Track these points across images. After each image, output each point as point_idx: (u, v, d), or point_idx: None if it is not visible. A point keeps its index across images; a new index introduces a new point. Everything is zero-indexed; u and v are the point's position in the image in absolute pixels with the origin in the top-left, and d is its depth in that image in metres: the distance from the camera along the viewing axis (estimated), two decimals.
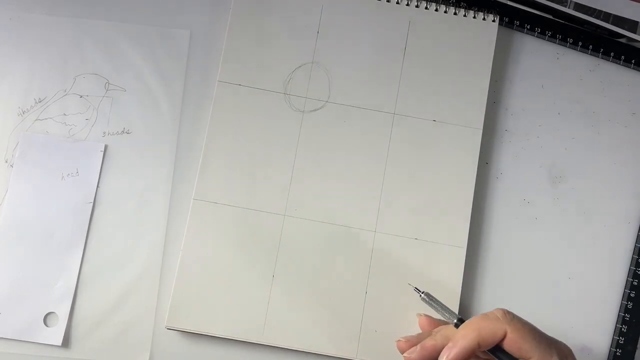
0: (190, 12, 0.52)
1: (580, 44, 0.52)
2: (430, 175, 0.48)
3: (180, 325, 0.46)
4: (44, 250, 0.47)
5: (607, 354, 0.49)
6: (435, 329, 0.42)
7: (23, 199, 0.48)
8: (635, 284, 0.49)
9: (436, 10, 0.51)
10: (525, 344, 0.37)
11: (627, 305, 0.49)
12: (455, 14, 0.51)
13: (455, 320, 0.40)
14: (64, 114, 0.50)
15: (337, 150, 0.49)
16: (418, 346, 0.40)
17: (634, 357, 0.49)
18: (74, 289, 0.47)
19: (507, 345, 0.37)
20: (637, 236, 0.51)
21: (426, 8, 0.51)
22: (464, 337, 0.38)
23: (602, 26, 0.53)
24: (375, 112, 0.49)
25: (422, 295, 0.43)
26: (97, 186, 0.49)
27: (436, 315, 0.43)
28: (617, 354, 0.49)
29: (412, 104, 0.49)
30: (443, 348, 0.38)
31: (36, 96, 0.50)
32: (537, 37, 0.53)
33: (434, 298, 0.43)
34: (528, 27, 0.52)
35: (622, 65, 0.53)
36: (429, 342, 0.39)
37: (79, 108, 0.50)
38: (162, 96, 0.50)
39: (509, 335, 0.37)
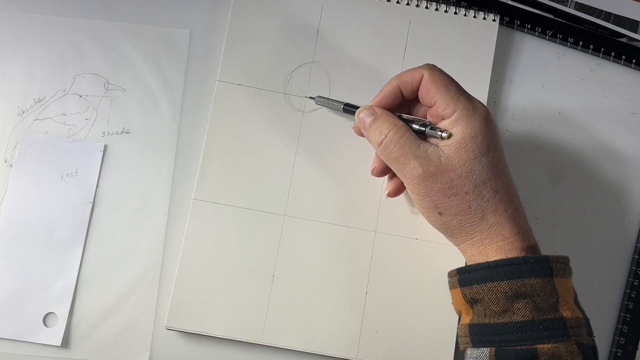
0: (190, 12, 0.52)
1: (580, 43, 0.52)
2: None
3: (180, 326, 0.45)
4: (44, 250, 0.47)
5: (608, 354, 0.49)
6: None
7: (22, 199, 0.48)
8: (636, 284, 0.49)
9: (436, 10, 0.51)
10: (434, 87, 0.38)
11: (627, 305, 0.49)
12: (455, 13, 0.51)
13: (342, 106, 0.46)
14: (64, 114, 0.49)
15: (337, 150, 0.49)
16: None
17: (634, 357, 0.49)
18: (74, 289, 0.47)
19: (421, 91, 0.39)
20: (637, 236, 0.51)
21: (426, 8, 0.51)
22: (386, 84, 0.41)
23: (603, 26, 0.52)
24: None
25: (315, 99, 0.48)
26: (97, 186, 0.49)
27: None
28: (618, 354, 0.49)
29: None
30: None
31: (35, 96, 0.50)
32: (537, 36, 0.53)
33: (325, 99, 0.48)
34: (528, 26, 0.52)
35: (622, 65, 0.52)
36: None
37: (78, 108, 0.50)
38: (162, 96, 0.50)
39: (424, 79, 0.39)
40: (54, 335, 0.46)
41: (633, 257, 0.50)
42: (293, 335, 0.46)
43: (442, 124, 0.38)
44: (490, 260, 0.37)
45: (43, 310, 0.46)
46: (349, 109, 0.46)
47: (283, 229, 0.47)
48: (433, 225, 0.40)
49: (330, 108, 0.48)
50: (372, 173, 0.44)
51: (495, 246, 0.37)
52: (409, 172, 0.38)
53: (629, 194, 0.51)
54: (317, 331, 0.46)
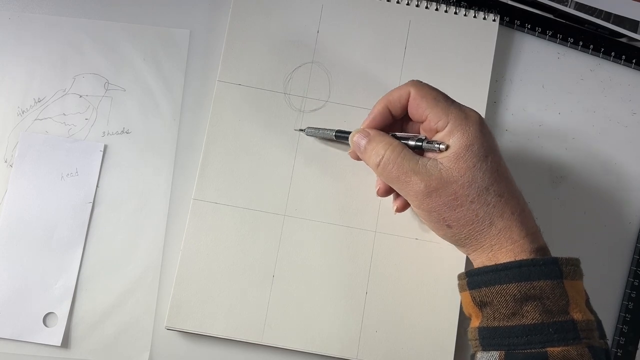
0: (190, 12, 0.52)
1: (580, 43, 0.52)
2: None
3: (180, 326, 0.45)
4: (44, 250, 0.47)
5: None
6: None
7: (22, 199, 0.48)
8: (636, 284, 0.49)
9: (436, 10, 0.51)
10: (423, 102, 0.38)
11: (627, 305, 0.49)
12: (455, 13, 0.51)
13: (334, 133, 0.46)
14: (64, 114, 0.49)
15: (337, 150, 0.49)
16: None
17: (634, 357, 0.49)
18: (74, 289, 0.47)
19: (411, 108, 0.39)
20: (637, 236, 0.51)
21: (426, 8, 0.51)
22: (375, 106, 0.41)
23: (602, 26, 0.52)
24: None
25: (305, 130, 0.48)
26: (97, 186, 0.49)
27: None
28: (618, 354, 0.49)
29: None
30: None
31: (35, 96, 0.50)
32: (537, 36, 0.53)
33: (315, 129, 0.48)
34: (529, 26, 0.52)
35: (622, 65, 0.53)
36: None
37: (78, 108, 0.50)
38: (162, 96, 0.50)
39: (412, 95, 0.39)
40: (54, 335, 0.46)
41: (633, 257, 0.50)
42: (293, 335, 0.46)
43: (437, 137, 0.38)
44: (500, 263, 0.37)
45: (43, 310, 0.46)
46: (341, 135, 0.45)
47: (283, 229, 0.47)
48: (443, 237, 0.40)
49: (322, 137, 0.48)
50: (378, 194, 0.43)
51: (504, 250, 0.37)
52: (411, 189, 0.37)
53: (629, 194, 0.51)
54: (317, 331, 0.46)
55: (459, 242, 0.39)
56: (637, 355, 0.49)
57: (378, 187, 0.43)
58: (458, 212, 0.37)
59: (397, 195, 0.44)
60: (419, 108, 0.38)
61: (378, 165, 0.39)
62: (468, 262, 0.47)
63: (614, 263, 0.50)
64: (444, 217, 0.37)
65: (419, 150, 0.39)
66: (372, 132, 0.40)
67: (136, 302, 0.47)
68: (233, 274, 0.46)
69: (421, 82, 0.40)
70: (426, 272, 0.47)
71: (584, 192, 0.51)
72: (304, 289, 0.46)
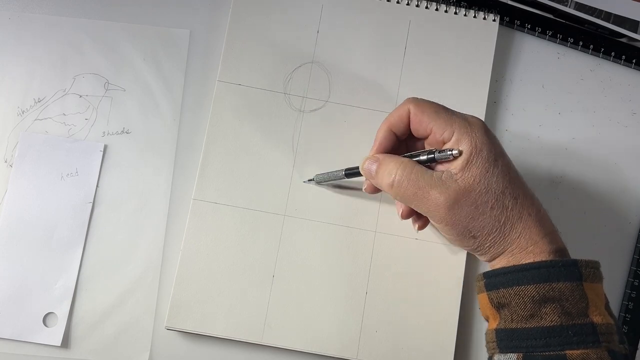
0: (190, 12, 0.52)
1: (580, 43, 0.52)
2: None
3: (180, 326, 0.45)
4: (44, 250, 0.47)
5: None
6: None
7: (22, 199, 0.48)
8: (636, 284, 0.49)
9: (436, 10, 0.51)
10: (424, 117, 0.38)
11: (627, 305, 0.49)
12: (455, 13, 0.51)
13: (343, 172, 0.45)
14: (64, 114, 0.49)
15: (337, 150, 0.49)
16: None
17: (634, 357, 0.49)
18: (74, 289, 0.47)
19: (413, 124, 0.39)
20: (637, 236, 0.51)
21: (426, 8, 0.51)
22: (378, 131, 0.41)
23: (602, 26, 0.52)
24: (375, 112, 0.49)
25: (314, 180, 0.47)
26: (97, 186, 0.49)
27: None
28: None
29: None
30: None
31: (35, 96, 0.50)
32: (537, 36, 0.53)
33: (323, 174, 0.47)
34: (528, 26, 0.52)
35: (622, 65, 0.52)
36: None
37: (78, 108, 0.50)
38: (161, 96, 0.50)
39: (412, 112, 0.39)
40: (54, 335, 0.46)
41: (633, 257, 0.50)
42: (293, 335, 0.46)
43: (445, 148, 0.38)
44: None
45: (43, 310, 0.46)
46: (351, 171, 0.44)
47: (283, 229, 0.47)
48: (465, 248, 0.39)
49: (332, 180, 0.47)
50: (401, 217, 0.42)
51: (524, 252, 0.36)
52: (432, 204, 0.37)
53: (629, 194, 0.51)
54: (317, 331, 0.46)
55: (482, 251, 0.38)
56: (637, 355, 0.49)
57: (401, 210, 0.42)
58: (481, 220, 0.36)
59: (419, 217, 0.43)
60: (422, 123, 0.38)
61: (392, 185, 0.38)
62: (468, 262, 0.47)
63: (614, 263, 0.50)
64: (468, 229, 0.37)
65: (428, 166, 0.39)
66: (381, 156, 0.40)
67: (136, 302, 0.47)
68: (233, 274, 0.46)
69: (417, 97, 0.39)
70: (426, 272, 0.47)
71: (584, 192, 0.51)
72: (304, 289, 0.46)
